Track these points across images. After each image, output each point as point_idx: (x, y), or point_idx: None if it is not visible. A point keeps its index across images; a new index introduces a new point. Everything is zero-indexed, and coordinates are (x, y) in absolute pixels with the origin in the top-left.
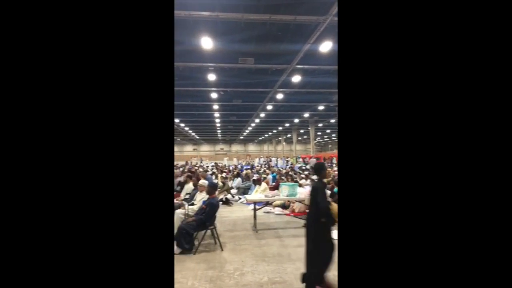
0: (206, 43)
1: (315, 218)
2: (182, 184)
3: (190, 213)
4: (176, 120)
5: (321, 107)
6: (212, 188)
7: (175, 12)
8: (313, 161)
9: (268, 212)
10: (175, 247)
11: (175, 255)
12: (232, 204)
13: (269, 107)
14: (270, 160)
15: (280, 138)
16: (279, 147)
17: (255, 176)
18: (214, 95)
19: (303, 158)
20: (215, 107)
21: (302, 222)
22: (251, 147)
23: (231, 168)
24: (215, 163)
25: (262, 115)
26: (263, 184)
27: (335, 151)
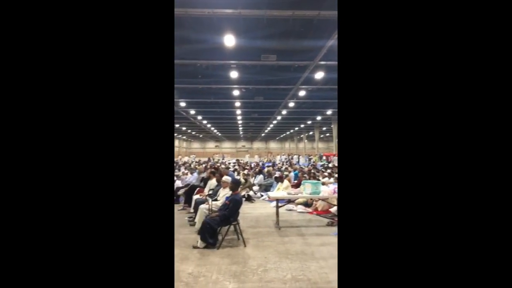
0: (229, 40)
1: None
2: (205, 180)
3: (214, 208)
4: (199, 117)
5: None
6: (235, 185)
7: (199, 10)
8: (335, 159)
9: (290, 210)
10: (199, 241)
11: (199, 249)
12: (254, 200)
13: (291, 104)
14: (292, 158)
15: (301, 136)
16: (301, 145)
17: (277, 174)
18: (236, 92)
19: (326, 156)
20: (237, 104)
21: (326, 220)
22: (273, 145)
23: (252, 165)
24: (237, 160)
25: (284, 112)
26: (285, 182)
27: None
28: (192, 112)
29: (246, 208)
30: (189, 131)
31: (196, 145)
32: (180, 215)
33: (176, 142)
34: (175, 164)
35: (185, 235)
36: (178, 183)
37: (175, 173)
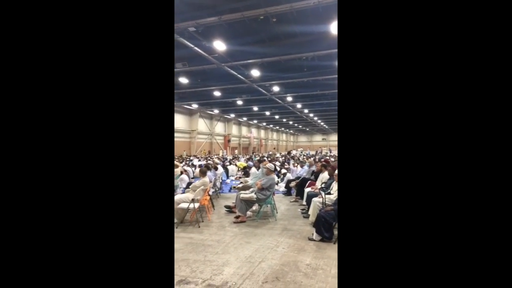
0: (335, 27)
1: None
2: (316, 174)
3: (328, 202)
4: (305, 111)
5: None
6: None
7: (304, 2)
8: None
9: None
10: (315, 234)
11: (315, 241)
12: None
13: None
14: None
15: None
16: None
17: None
18: None
19: None
20: None
21: None
22: None
23: None
24: None
25: None
26: None
27: None
28: (299, 106)
29: None
30: (295, 125)
31: (302, 138)
32: (292, 207)
33: (284, 136)
34: (282, 157)
35: (299, 226)
36: (289, 176)
37: (285, 166)
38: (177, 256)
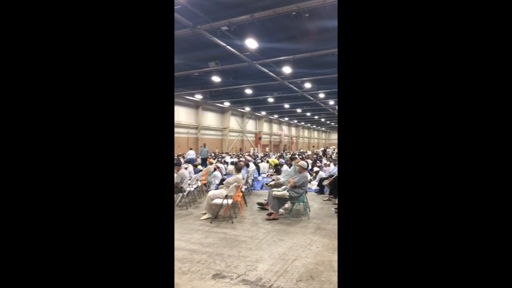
0: None
1: None
2: None
3: None
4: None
5: None
6: None
7: None
8: None
9: None
10: None
11: None
12: None
13: None
14: None
15: None
16: None
17: None
18: None
19: None
20: None
21: None
22: None
23: None
24: None
25: None
26: None
27: None
28: (331, 102)
29: None
30: (328, 122)
31: (334, 136)
32: (326, 205)
33: (315, 134)
34: (315, 155)
35: (333, 225)
36: (321, 174)
37: (317, 164)
38: (211, 250)
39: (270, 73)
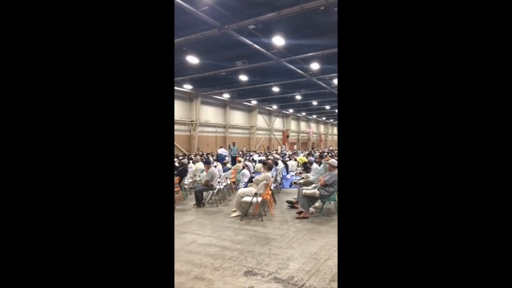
0: None
1: None
2: None
3: None
4: None
5: None
6: None
7: None
8: None
9: None
10: None
11: None
12: None
13: None
14: None
15: None
16: None
17: None
18: None
19: None
20: None
21: None
22: None
23: None
24: None
25: None
26: None
27: None
28: None
29: None
30: None
31: None
32: None
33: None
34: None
35: None
36: None
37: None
38: (242, 247)
39: (297, 70)
